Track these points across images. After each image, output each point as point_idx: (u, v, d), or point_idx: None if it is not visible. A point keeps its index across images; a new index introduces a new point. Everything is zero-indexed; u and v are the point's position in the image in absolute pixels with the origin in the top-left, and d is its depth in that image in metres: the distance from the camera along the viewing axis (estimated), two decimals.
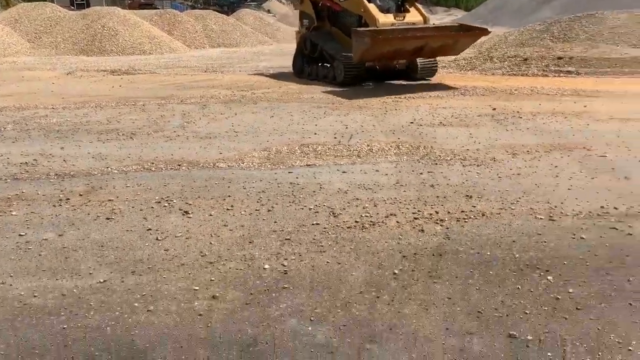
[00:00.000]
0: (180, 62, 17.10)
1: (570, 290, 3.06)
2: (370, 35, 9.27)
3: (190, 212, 4.21)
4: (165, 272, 3.27)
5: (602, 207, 4.31)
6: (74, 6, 45.81)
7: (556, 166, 5.41)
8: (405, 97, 9.35)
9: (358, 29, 9.81)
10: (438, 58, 11.31)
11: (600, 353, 2.52)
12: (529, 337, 2.64)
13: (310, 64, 11.87)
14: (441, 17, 55.33)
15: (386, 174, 5.24)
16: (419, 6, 10.84)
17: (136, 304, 2.92)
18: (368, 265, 3.37)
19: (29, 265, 3.37)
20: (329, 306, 2.92)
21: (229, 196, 4.58)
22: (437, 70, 11.36)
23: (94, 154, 6.04)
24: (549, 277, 3.20)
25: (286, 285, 3.13)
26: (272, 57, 18.54)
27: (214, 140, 6.58)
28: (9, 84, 11.92)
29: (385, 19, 10.08)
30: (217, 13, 28.52)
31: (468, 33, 10.50)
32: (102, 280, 3.18)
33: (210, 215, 4.17)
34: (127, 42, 20.67)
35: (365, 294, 3.04)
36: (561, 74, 12.22)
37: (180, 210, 4.27)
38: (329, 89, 10.36)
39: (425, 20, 10.64)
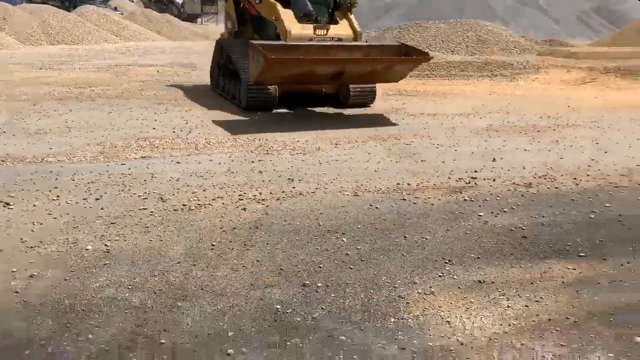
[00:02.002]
0: (13, 59, 15.83)
1: (359, 247, 3.67)
2: (264, 54, 6.91)
3: (11, 204, 4.19)
4: None
5: (398, 183, 5.09)
6: None
7: (369, 153, 6.20)
8: None
9: (255, 42, 7.64)
10: None
11: (371, 290, 3.12)
12: (319, 285, 3.17)
13: (224, 77, 9.64)
14: None
15: (219, 163, 5.60)
16: (352, 17, 8.61)
17: None
18: (189, 241, 3.70)
19: None
20: (147, 276, 3.20)
21: (56, 187, 4.61)
22: (374, 96, 9.02)
23: None
24: (343, 239, 3.80)
25: (107, 262, 3.34)
26: (117, 55, 17.92)
27: (44, 136, 6.43)
28: None
29: (301, 31, 8.02)
30: (55, 9, 26.65)
31: (403, 58, 8.20)
32: None
33: (35, 205, 4.20)
34: None
35: (183, 264, 3.37)
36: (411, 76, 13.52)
37: (0, 202, 4.22)
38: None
39: (356, 36, 8.37)
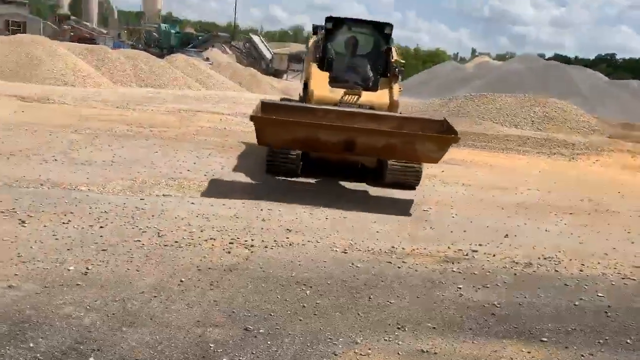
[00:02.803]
0: (98, 97, 17.41)
1: (318, 302, 3.77)
2: (254, 116, 6.49)
3: (26, 222, 4.66)
4: None
5: (393, 246, 5.13)
6: (8, 31, 45.18)
7: (379, 215, 6.27)
8: None
9: (267, 100, 7.67)
10: None
11: (308, 344, 3.19)
12: (261, 331, 3.28)
13: None
14: None
15: (230, 208, 5.89)
16: (396, 86, 7.95)
17: None
18: (162, 274, 3.95)
19: None
20: (108, 300, 3.46)
21: (71, 213, 5.06)
22: (418, 176, 7.67)
23: None
24: (307, 292, 3.90)
25: (80, 283, 3.65)
26: (192, 101, 19.19)
27: (87, 167, 7.05)
28: None
29: (327, 94, 7.60)
30: (148, 54, 29.05)
31: (422, 135, 6.82)
32: None
33: (45, 226, 4.64)
34: (50, 72, 20.74)
35: (146, 294, 3.61)
36: None
37: (18, 220, 4.70)
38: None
39: (393, 105, 7.68)
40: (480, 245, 5.50)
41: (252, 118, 6.39)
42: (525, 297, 4.23)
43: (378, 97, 7.80)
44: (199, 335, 3.16)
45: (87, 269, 3.89)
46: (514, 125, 16.37)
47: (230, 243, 4.77)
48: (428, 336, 3.46)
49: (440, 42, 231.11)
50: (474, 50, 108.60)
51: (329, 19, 8.24)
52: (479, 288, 4.35)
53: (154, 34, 53.13)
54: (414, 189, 7.66)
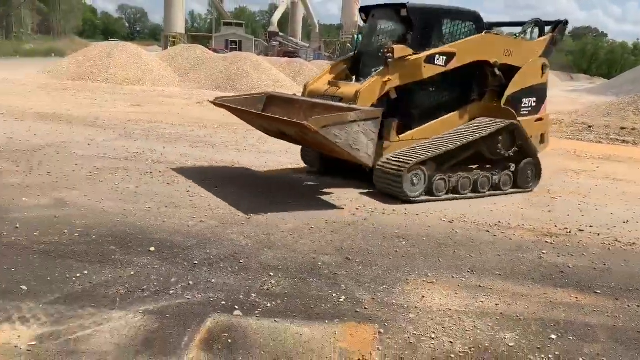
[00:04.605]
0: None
1: (409, 249, 4.82)
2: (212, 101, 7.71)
3: (217, 187, 6.53)
4: (184, 208, 5.57)
5: (499, 221, 5.89)
6: (228, 49, 52.67)
7: (505, 198, 6.94)
8: None
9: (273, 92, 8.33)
10: None
11: (389, 271, 4.30)
12: (357, 260, 4.48)
13: None
14: (579, 85, 54.00)
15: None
16: (376, 78, 6.73)
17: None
18: (299, 223, 5.38)
19: (113, 197, 5.86)
20: (262, 234, 4.99)
21: (245, 182, 6.83)
22: (398, 187, 6.46)
23: (182, 153, 8.69)
24: (403, 242, 4.98)
25: (244, 223, 5.25)
26: None
27: (266, 155, 8.96)
28: (150, 105, 15.52)
29: (317, 86, 7.43)
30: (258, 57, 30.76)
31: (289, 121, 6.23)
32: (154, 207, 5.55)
33: (232, 192, 6.44)
34: (255, 83, 24.33)
35: (285, 232, 5.06)
36: (616, 142, 13.01)
37: (214, 186, 6.59)
38: None
39: (357, 97, 6.60)
40: (591, 226, 5.91)
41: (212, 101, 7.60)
42: (603, 264, 4.72)
43: (349, 89, 6.99)
44: (313, 258, 4.49)
45: (250, 215, 5.51)
46: None
47: (357, 209, 6.04)
48: (491, 279, 4.30)
49: None
50: None
51: (361, 9, 8.22)
52: (563, 255, 4.94)
53: (348, 44, 56.71)
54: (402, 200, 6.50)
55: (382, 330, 3.36)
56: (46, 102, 14.04)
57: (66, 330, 3.11)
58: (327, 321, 3.43)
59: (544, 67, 7.93)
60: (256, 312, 3.49)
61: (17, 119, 10.87)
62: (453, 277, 4.31)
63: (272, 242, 4.80)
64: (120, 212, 5.32)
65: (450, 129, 7.20)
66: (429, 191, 6.61)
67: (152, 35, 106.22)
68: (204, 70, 25.53)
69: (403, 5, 7.12)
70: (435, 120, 7.29)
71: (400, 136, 7.05)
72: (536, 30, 8.33)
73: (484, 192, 6.99)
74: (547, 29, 8.23)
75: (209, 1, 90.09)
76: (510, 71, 7.59)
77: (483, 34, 7.42)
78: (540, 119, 8.02)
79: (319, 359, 3.01)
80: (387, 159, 6.65)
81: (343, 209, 6.01)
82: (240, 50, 48.25)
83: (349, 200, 6.41)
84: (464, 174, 6.86)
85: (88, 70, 22.24)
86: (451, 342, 3.26)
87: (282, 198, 6.28)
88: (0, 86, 17.30)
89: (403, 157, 6.54)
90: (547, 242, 5.31)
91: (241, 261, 4.33)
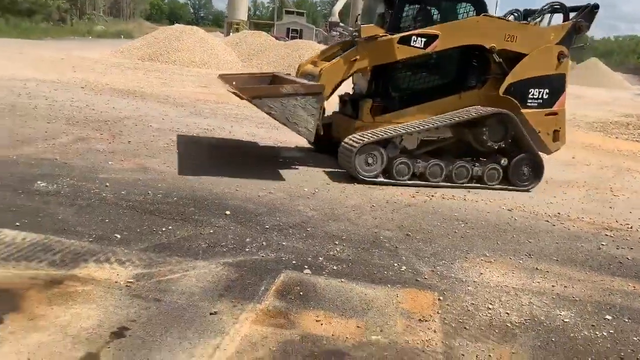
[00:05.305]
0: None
1: (468, 231, 4.99)
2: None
3: (284, 163, 6.86)
4: (254, 180, 5.93)
5: (558, 213, 5.96)
6: (288, 37, 53.36)
7: (565, 193, 6.96)
8: None
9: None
10: None
11: (448, 249, 4.50)
12: (417, 237, 4.70)
13: None
14: None
15: None
16: (338, 59, 6.72)
17: None
18: (361, 200, 5.63)
19: (189, 166, 6.30)
20: (327, 207, 5.28)
21: (307, 160, 7.14)
22: (347, 157, 6.46)
23: (249, 132, 9.10)
24: (462, 224, 5.15)
25: (309, 197, 5.56)
26: None
27: None
28: (216, 87, 16.06)
29: (308, 68, 7.25)
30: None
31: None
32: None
33: (282, 164, 6.76)
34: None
35: (348, 208, 5.33)
36: None
37: (282, 162, 6.93)
38: None
39: (320, 74, 6.64)
40: None
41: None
42: None
43: (316, 67, 6.98)
44: (375, 232, 4.74)
45: (316, 190, 5.82)
46: None
47: (416, 192, 6.24)
48: (549, 263, 4.42)
49: None
50: None
51: None
52: (622, 248, 4.98)
53: None
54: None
55: (441, 298, 3.58)
56: (120, 79, 14.84)
57: (157, 273, 3.50)
58: (389, 285, 3.69)
59: (560, 56, 6.98)
60: (323, 272, 3.78)
61: (97, 93, 11.60)
62: (510, 258, 4.46)
63: (337, 216, 5.08)
64: (197, 179, 5.74)
65: (439, 115, 6.85)
66: (390, 174, 6.48)
67: (215, 21, 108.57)
68: (266, 57, 26.11)
69: None
70: (421, 105, 7.00)
71: (377, 117, 6.96)
72: (559, 16, 7.38)
73: (461, 183, 6.64)
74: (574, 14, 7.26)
75: None
76: (517, 59, 6.95)
77: (482, 16, 6.88)
78: (553, 113, 7.13)
79: (382, 315, 3.27)
80: (351, 137, 6.54)
81: (402, 192, 6.22)
82: (300, 38, 48.83)
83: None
84: (435, 161, 6.57)
85: (157, 51, 23.18)
86: (507, 313, 3.44)
87: (345, 177, 6.54)
88: (79, 63, 18.36)
89: (360, 137, 6.44)
90: (606, 234, 5.35)
91: (308, 229, 4.63)
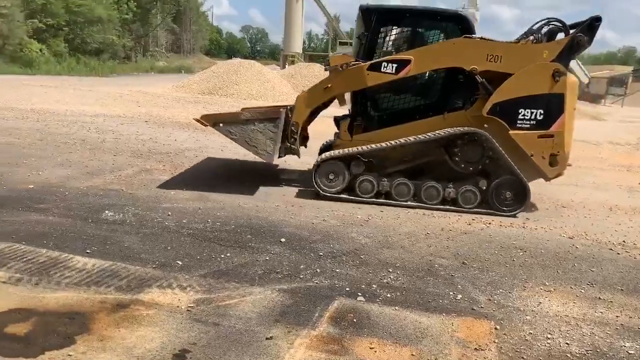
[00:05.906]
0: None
1: (526, 260, 4.88)
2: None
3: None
4: (308, 208, 6.04)
5: (624, 241, 5.71)
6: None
7: (619, 224, 6.67)
8: None
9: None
10: None
11: (501, 274, 4.42)
12: (473, 265, 4.64)
13: None
14: None
15: None
16: (314, 85, 7.26)
17: None
18: (415, 227, 5.62)
19: (246, 195, 6.49)
20: (380, 235, 5.30)
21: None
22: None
23: (307, 162, 9.28)
24: (520, 252, 5.03)
25: (363, 224, 5.60)
26: None
27: None
28: None
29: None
30: None
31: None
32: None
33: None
34: None
35: (402, 235, 5.33)
36: None
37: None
38: None
39: (296, 101, 7.28)
40: None
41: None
42: None
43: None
44: (430, 260, 4.72)
45: (369, 217, 5.86)
46: None
47: (472, 219, 6.16)
48: (612, 293, 4.25)
49: None
50: None
51: None
52: None
53: None
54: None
55: (498, 327, 3.52)
56: (182, 113, 15.52)
57: (216, 298, 3.64)
58: (444, 314, 3.66)
59: (556, 74, 6.39)
60: (377, 300, 3.80)
61: (159, 126, 12.19)
62: (571, 287, 4.32)
63: (390, 243, 5.10)
64: (254, 207, 5.92)
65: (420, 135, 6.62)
66: (353, 191, 6.61)
67: (271, 54, 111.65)
68: None
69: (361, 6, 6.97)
70: (402, 125, 6.84)
71: (355, 136, 6.97)
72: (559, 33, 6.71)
73: (433, 204, 6.47)
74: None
75: (325, 22, 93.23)
76: (504, 78, 6.48)
77: (461, 38, 6.57)
78: (548, 135, 6.48)
79: (437, 344, 3.25)
80: (324, 154, 6.82)
81: (458, 219, 6.16)
82: None
83: (464, 211, 6.53)
84: (401, 180, 6.51)
85: (216, 85, 24.09)
86: (567, 344, 3.34)
87: (398, 204, 6.55)
88: (143, 98, 19.36)
89: (326, 154, 6.75)
90: None
91: (362, 257, 4.67)
